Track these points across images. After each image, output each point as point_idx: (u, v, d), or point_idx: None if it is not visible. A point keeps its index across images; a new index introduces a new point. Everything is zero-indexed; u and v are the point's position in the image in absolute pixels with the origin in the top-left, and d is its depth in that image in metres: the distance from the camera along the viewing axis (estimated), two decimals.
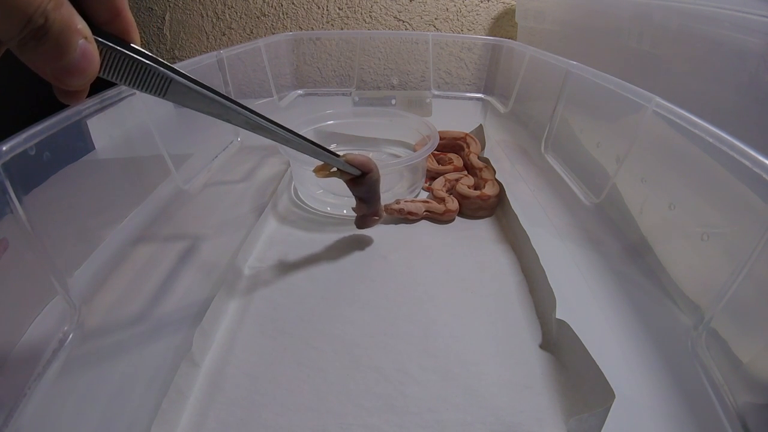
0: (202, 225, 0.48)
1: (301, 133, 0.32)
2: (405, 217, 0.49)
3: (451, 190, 0.56)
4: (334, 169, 0.39)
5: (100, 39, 0.19)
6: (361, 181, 0.40)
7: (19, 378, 0.27)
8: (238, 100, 0.26)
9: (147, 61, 0.21)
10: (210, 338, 0.34)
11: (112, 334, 0.33)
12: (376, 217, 0.45)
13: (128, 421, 0.27)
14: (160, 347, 0.32)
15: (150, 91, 0.21)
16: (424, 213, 0.50)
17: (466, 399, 0.29)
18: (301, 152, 0.33)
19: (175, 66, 0.22)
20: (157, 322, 0.34)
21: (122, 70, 0.20)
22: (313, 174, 0.40)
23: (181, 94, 0.22)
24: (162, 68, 0.21)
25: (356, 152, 0.39)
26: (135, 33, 0.21)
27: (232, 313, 0.37)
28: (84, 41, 0.18)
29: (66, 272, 0.33)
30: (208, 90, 0.24)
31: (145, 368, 0.30)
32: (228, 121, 0.26)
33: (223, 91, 0.25)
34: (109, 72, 0.20)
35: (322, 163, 0.38)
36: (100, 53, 0.19)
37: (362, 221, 0.45)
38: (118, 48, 0.20)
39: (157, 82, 0.21)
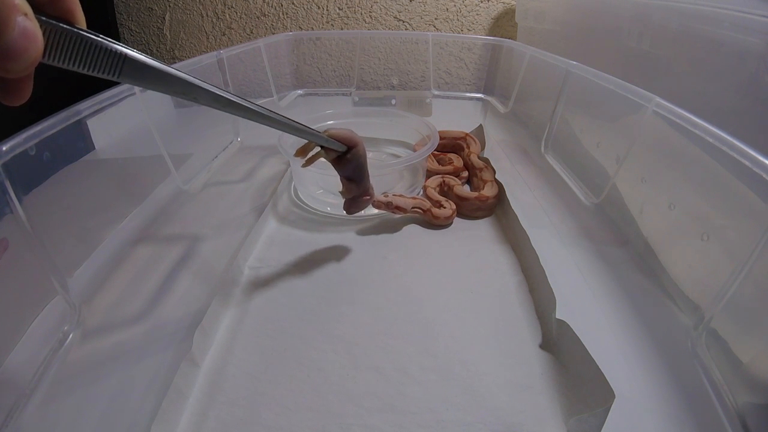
0: (202, 225, 0.48)
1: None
2: (392, 211, 0.49)
3: (447, 192, 0.55)
4: (317, 149, 0.36)
5: (41, 17, 0.17)
6: (347, 157, 0.37)
7: (19, 378, 0.27)
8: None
9: (97, 38, 0.19)
10: (210, 338, 0.34)
11: (112, 334, 0.33)
12: (367, 197, 0.42)
13: (128, 421, 0.27)
14: (160, 347, 0.32)
15: (103, 72, 0.19)
16: (412, 209, 0.50)
17: (466, 399, 0.29)
18: (279, 129, 0.31)
19: (174, 66, 0.22)
20: (157, 322, 0.34)
21: (70, 51, 0.18)
22: (307, 166, 0.38)
23: (137, 73, 0.20)
24: (114, 45, 0.19)
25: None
26: (80, 13, 0.19)
27: (232, 312, 0.37)
28: (23, 18, 0.16)
29: (66, 272, 0.33)
30: (166, 66, 0.22)
31: (145, 368, 0.30)
32: (194, 100, 0.24)
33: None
34: (54, 54, 0.18)
35: (302, 145, 0.36)
36: (43, 33, 0.17)
37: (353, 204, 0.41)
38: (63, 26, 0.18)
39: (110, 60, 0.19)
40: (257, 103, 0.28)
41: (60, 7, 0.18)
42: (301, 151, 0.37)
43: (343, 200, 0.42)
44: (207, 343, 0.33)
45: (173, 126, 0.55)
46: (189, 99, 0.24)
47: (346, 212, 0.42)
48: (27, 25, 0.16)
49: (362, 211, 0.51)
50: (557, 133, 0.58)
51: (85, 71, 0.19)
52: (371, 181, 0.42)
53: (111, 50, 0.19)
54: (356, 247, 0.46)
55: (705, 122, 0.31)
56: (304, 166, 0.38)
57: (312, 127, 0.33)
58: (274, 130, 0.31)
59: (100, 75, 0.19)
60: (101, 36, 0.19)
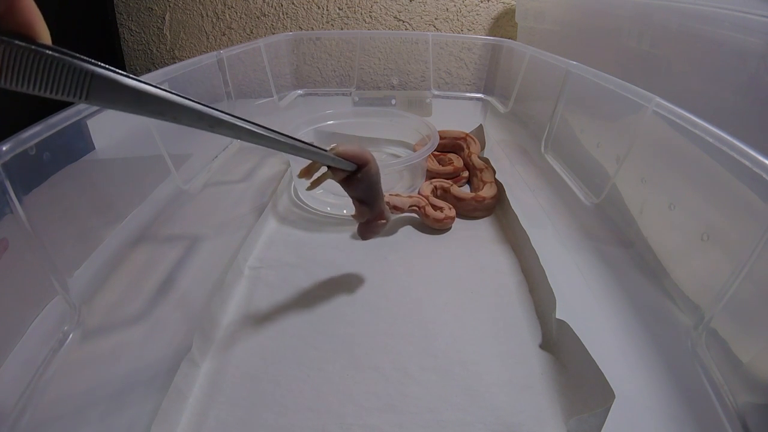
0: (202, 225, 0.48)
1: (287, 133, 0.27)
2: (390, 210, 0.48)
3: (444, 195, 0.55)
4: (323, 169, 0.32)
5: None
6: (358, 177, 0.33)
7: (20, 378, 0.27)
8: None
9: (58, 55, 0.16)
10: (210, 338, 0.34)
11: (112, 334, 0.33)
12: (383, 221, 0.37)
13: (128, 421, 0.27)
14: (160, 347, 0.32)
15: (67, 94, 0.17)
16: (410, 208, 0.49)
17: (466, 399, 0.29)
18: (277, 150, 0.27)
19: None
20: (157, 322, 0.34)
21: (26, 71, 0.16)
22: (312, 189, 0.34)
23: (108, 93, 0.17)
24: (79, 61, 0.16)
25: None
26: (41, 26, 0.16)
27: (232, 313, 0.37)
28: None
29: (66, 272, 0.33)
30: (142, 83, 0.18)
31: (145, 368, 0.30)
32: (175, 120, 0.21)
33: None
34: (9, 76, 0.15)
35: (307, 165, 0.32)
36: None
37: (367, 229, 0.37)
38: (18, 42, 0.15)
39: (75, 79, 0.16)
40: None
41: (17, 20, 0.16)
42: (306, 172, 0.33)
43: (348, 202, 0.38)
44: (207, 343, 0.33)
45: (173, 126, 0.55)
46: (168, 120, 0.20)
47: (361, 238, 0.39)
48: None
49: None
50: (557, 133, 0.58)
51: (46, 94, 0.16)
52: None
53: (75, 68, 0.16)
54: (356, 247, 0.46)
55: (705, 122, 0.31)
56: (309, 189, 0.34)
57: (317, 146, 0.29)
58: None
59: (64, 98, 0.17)
60: (65, 53, 0.16)
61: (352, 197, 0.35)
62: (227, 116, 0.23)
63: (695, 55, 0.45)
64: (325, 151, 0.30)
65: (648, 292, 0.35)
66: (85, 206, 0.39)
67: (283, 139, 0.26)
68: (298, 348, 0.34)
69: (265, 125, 0.25)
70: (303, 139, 0.28)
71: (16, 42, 0.15)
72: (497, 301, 0.38)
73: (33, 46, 0.16)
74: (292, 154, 0.28)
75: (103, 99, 0.17)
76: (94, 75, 0.17)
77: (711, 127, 0.30)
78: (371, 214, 0.36)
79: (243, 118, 0.24)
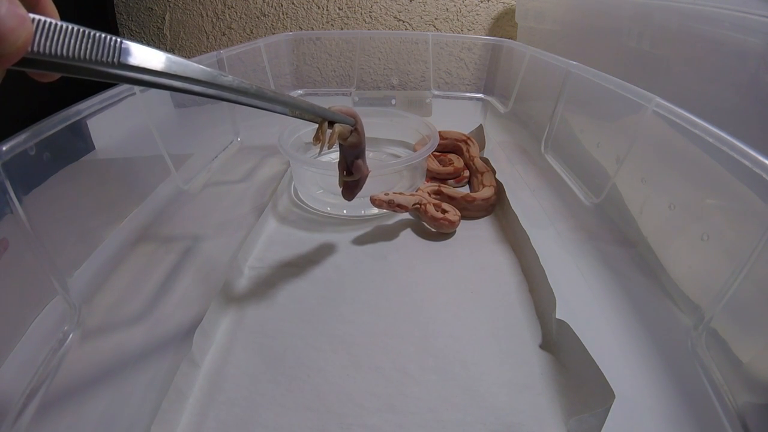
0: (202, 225, 0.48)
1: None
2: (394, 209, 0.48)
3: (439, 196, 0.54)
4: (329, 131, 0.35)
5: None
6: (357, 129, 0.37)
7: (20, 378, 0.27)
8: None
9: (90, 29, 0.19)
10: (210, 338, 0.34)
11: (112, 334, 0.33)
12: (368, 173, 0.42)
13: (128, 421, 0.27)
14: (160, 347, 0.32)
15: (102, 55, 0.19)
16: (413, 206, 0.49)
17: (466, 399, 0.29)
18: (286, 113, 0.30)
19: None
20: (157, 322, 0.34)
21: (60, 40, 0.18)
22: (332, 146, 0.36)
23: (135, 56, 0.20)
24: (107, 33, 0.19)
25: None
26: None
27: (232, 312, 0.37)
28: (7, 2, 0.15)
29: (66, 272, 0.33)
30: (160, 51, 0.21)
31: (145, 368, 0.30)
32: (186, 90, 0.23)
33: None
34: (45, 43, 0.17)
35: (315, 132, 0.35)
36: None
37: (356, 185, 0.41)
38: (49, 20, 0.18)
39: (107, 45, 0.19)
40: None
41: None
42: (317, 138, 0.35)
43: (347, 203, 0.42)
44: (207, 344, 0.33)
45: (173, 126, 0.55)
46: (182, 86, 0.23)
47: (348, 199, 0.42)
48: (11, 6, 0.15)
49: (362, 210, 0.51)
50: (557, 133, 0.58)
51: (79, 62, 0.18)
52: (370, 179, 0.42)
53: (102, 36, 0.19)
54: (356, 247, 0.46)
55: (705, 122, 0.31)
56: (330, 147, 0.36)
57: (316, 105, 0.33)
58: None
59: (97, 65, 0.19)
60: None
61: (350, 159, 0.39)
62: (238, 81, 0.25)
63: (695, 55, 0.45)
64: (326, 108, 0.34)
65: (648, 292, 0.35)
66: (85, 206, 0.39)
67: (291, 101, 0.29)
68: (298, 348, 0.34)
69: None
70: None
71: (49, 20, 0.18)
72: (497, 301, 0.38)
73: (66, 23, 0.18)
74: (297, 116, 0.31)
75: (131, 64, 0.20)
76: (122, 42, 0.20)
77: (711, 127, 0.30)
78: (364, 168, 0.40)
79: (257, 85, 0.26)
